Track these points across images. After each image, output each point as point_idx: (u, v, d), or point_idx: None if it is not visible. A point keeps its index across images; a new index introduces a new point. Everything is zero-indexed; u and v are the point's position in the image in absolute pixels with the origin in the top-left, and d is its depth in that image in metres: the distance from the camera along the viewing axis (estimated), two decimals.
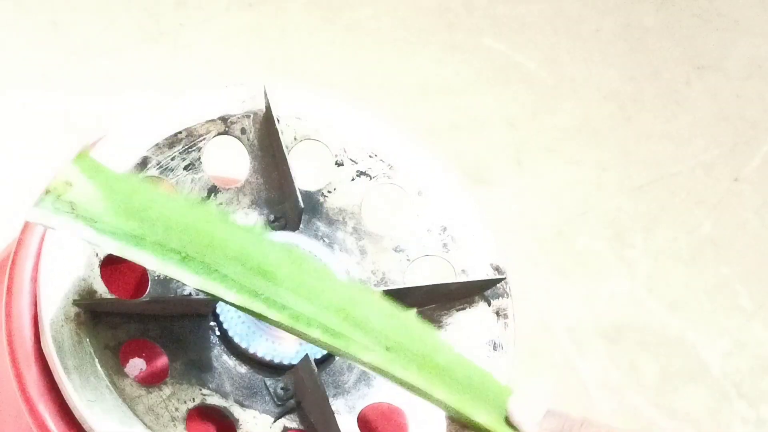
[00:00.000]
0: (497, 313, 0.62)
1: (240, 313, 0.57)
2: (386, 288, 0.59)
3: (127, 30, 1.32)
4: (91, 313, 0.53)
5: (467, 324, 0.61)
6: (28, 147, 1.21)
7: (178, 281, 0.58)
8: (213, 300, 0.57)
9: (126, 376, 0.53)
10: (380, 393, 0.59)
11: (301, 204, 0.60)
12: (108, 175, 0.49)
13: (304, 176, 0.62)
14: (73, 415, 0.52)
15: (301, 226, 0.61)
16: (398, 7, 1.42)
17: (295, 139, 0.63)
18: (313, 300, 0.49)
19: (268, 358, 0.56)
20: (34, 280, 0.55)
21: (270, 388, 0.57)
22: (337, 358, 0.59)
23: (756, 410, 1.22)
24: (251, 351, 0.56)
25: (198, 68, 1.31)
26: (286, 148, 0.61)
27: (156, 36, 1.32)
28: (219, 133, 0.62)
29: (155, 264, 0.48)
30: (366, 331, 0.49)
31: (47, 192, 0.47)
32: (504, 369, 0.59)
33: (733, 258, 1.32)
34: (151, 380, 0.55)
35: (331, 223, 0.63)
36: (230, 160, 0.67)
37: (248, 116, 0.62)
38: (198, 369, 0.56)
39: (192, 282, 0.48)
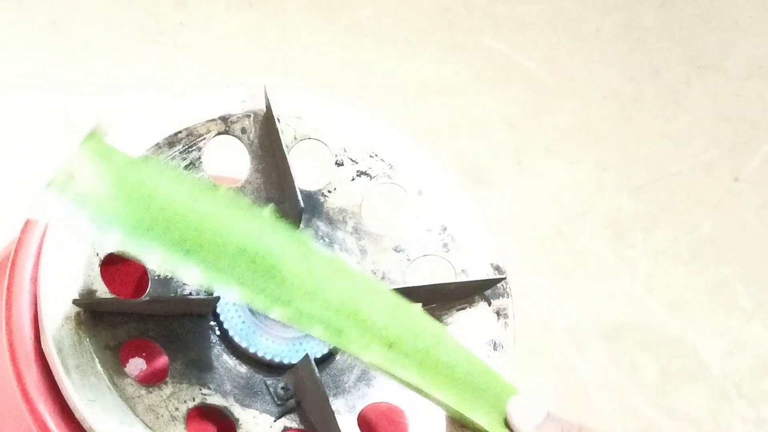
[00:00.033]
0: (497, 313, 0.62)
1: (240, 312, 0.57)
2: None
3: (127, 30, 1.32)
4: (91, 313, 0.53)
5: (467, 324, 0.61)
6: (28, 147, 1.21)
7: (177, 281, 0.58)
8: (213, 300, 0.57)
9: (126, 375, 0.53)
10: (380, 393, 0.59)
11: (302, 204, 0.60)
12: (118, 162, 0.47)
13: (305, 176, 0.62)
14: (73, 415, 0.52)
15: (301, 225, 0.61)
16: (398, 7, 1.42)
17: (296, 138, 0.63)
18: (318, 295, 0.48)
19: (268, 357, 0.56)
20: (34, 279, 0.55)
21: (270, 388, 0.57)
22: (337, 357, 0.59)
23: (756, 410, 1.22)
24: (251, 350, 0.56)
25: (198, 68, 1.31)
26: (287, 147, 0.61)
27: (156, 36, 1.32)
28: (219, 133, 0.62)
29: (159, 258, 0.47)
30: (369, 327, 0.49)
31: (52, 183, 0.47)
32: (504, 369, 0.59)
33: (733, 258, 1.32)
34: (152, 380, 0.55)
35: (332, 222, 0.63)
36: (230, 160, 0.67)
37: (248, 116, 0.62)
38: (198, 369, 0.56)
39: (196, 276, 0.47)
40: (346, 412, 0.58)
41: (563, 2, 1.49)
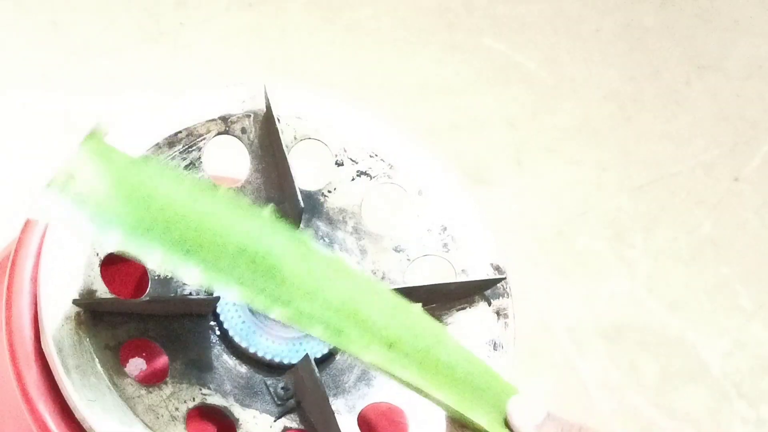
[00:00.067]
0: (497, 313, 0.62)
1: (240, 312, 0.57)
2: None
3: (127, 30, 1.32)
4: (91, 313, 0.53)
5: (467, 324, 0.61)
6: (28, 147, 1.21)
7: (177, 281, 0.58)
8: (213, 300, 0.57)
9: (126, 375, 0.53)
10: (380, 392, 0.59)
11: (302, 204, 0.60)
12: (117, 162, 0.47)
13: (305, 176, 0.62)
14: (73, 415, 0.52)
15: (301, 225, 0.61)
16: (398, 7, 1.42)
17: (295, 138, 0.63)
18: (318, 295, 0.48)
19: (268, 357, 0.56)
20: (34, 279, 0.55)
21: (270, 388, 0.57)
22: (337, 357, 0.59)
23: (756, 410, 1.22)
24: (251, 350, 0.56)
25: (198, 68, 1.31)
26: (287, 147, 0.61)
27: (156, 36, 1.32)
28: (219, 133, 0.62)
29: (159, 258, 0.47)
30: (369, 327, 0.49)
31: (52, 183, 0.46)
32: (504, 369, 0.59)
33: (733, 258, 1.32)
34: (152, 380, 0.55)
35: (332, 222, 0.63)
36: (230, 160, 0.67)
37: (248, 116, 0.62)
38: (198, 369, 0.56)
39: (196, 276, 0.47)
40: (346, 412, 0.58)
41: (563, 2, 1.49)
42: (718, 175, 1.38)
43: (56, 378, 0.52)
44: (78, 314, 0.53)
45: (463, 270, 0.63)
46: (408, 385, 0.49)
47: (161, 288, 0.58)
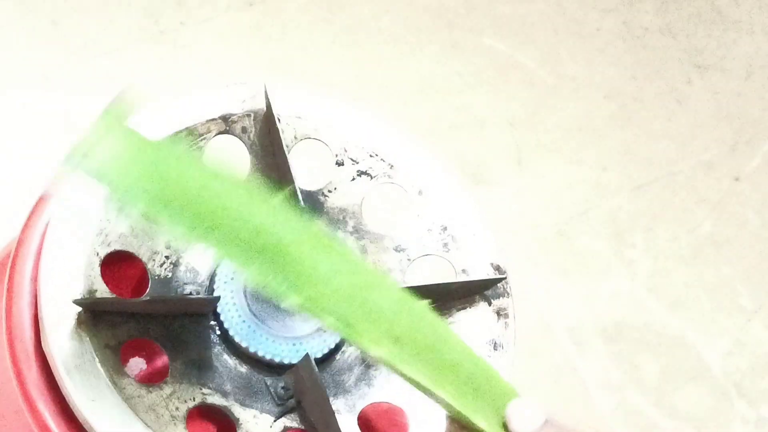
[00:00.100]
0: (498, 313, 0.62)
1: (240, 312, 0.57)
2: None
3: (127, 30, 1.32)
4: (91, 313, 0.53)
5: (468, 324, 0.61)
6: (28, 147, 1.21)
7: (177, 281, 0.58)
8: (213, 299, 0.57)
9: (126, 375, 0.53)
10: (381, 392, 0.59)
11: (302, 203, 0.60)
12: (138, 137, 0.48)
13: (305, 176, 0.62)
14: (74, 415, 0.52)
15: None
16: (398, 7, 1.42)
17: (296, 138, 0.63)
18: (328, 284, 0.49)
19: (268, 357, 0.56)
20: (35, 279, 0.55)
21: (270, 388, 0.57)
22: (337, 357, 0.59)
23: (756, 410, 1.22)
24: (251, 350, 0.56)
25: (198, 68, 1.31)
26: (287, 147, 0.61)
27: (156, 35, 1.32)
28: (219, 132, 0.62)
29: (178, 231, 0.47)
30: (377, 319, 0.49)
31: (74, 150, 0.47)
32: (504, 369, 0.59)
33: (733, 257, 1.32)
34: (152, 379, 0.55)
35: (332, 222, 0.63)
36: (231, 159, 0.67)
37: (249, 115, 0.62)
38: (198, 368, 0.56)
39: (213, 254, 0.47)
40: (346, 412, 0.58)
41: (564, 1, 1.49)
42: (718, 175, 1.38)
43: (56, 378, 0.52)
44: (78, 314, 0.53)
45: (463, 270, 0.63)
46: (411, 381, 0.50)
47: (161, 287, 0.58)
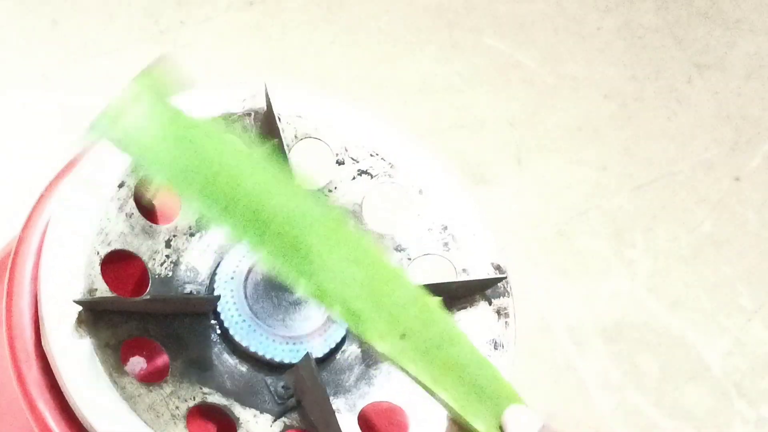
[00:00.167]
0: (498, 313, 0.62)
1: (240, 311, 0.57)
2: None
3: (127, 29, 1.32)
4: (91, 312, 0.53)
5: (468, 323, 0.61)
6: (28, 147, 1.21)
7: (178, 280, 0.58)
8: (213, 298, 0.57)
9: (126, 374, 0.53)
10: (381, 392, 0.59)
11: None
12: (170, 106, 0.48)
13: (305, 175, 0.62)
14: (74, 414, 0.52)
15: None
16: (398, 6, 1.42)
17: (296, 137, 0.63)
18: (340, 273, 0.49)
19: (268, 356, 0.56)
20: (35, 278, 0.55)
21: (270, 387, 0.57)
22: (338, 356, 0.59)
23: (756, 410, 1.22)
24: (252, 350, 0.56)
25: (198, 67, 1.31)
26: (287, 146, 0.61)
27: (156, 35, 1.32)
28: None
29: (197, 205, 0.47)
30: (386, 312, 0.49)
31: (103, 115, 0.47)
32: (504, 368, 0.59)
33: (733, 257, 1.32)
34: (152, 378, 0.55)
35: None
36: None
37: (249, 114, 0.62)
38: (198, 367, 0.56)
39: (228, 233, 0.48)
40: (346, 411, 0.58)
41: (564, 1, 1.49)
42: (718, 175, 1.38)
43: (56, 377, 0.52)
44: (78, 313, 0.53)
45: (463, 269, 0.63)
46: (413, 378, 0.50)
47: (162, 287, 0.58)
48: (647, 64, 1.45)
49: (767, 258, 1.33)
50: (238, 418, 0.55)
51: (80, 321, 0.53)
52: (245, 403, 0.56)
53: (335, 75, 1.35)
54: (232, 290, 0.57)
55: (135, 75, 0.47)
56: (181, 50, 1.32)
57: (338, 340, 0.58)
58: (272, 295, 0.58)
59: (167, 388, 0.54)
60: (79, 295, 0.53)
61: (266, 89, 0.62)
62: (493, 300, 0.62)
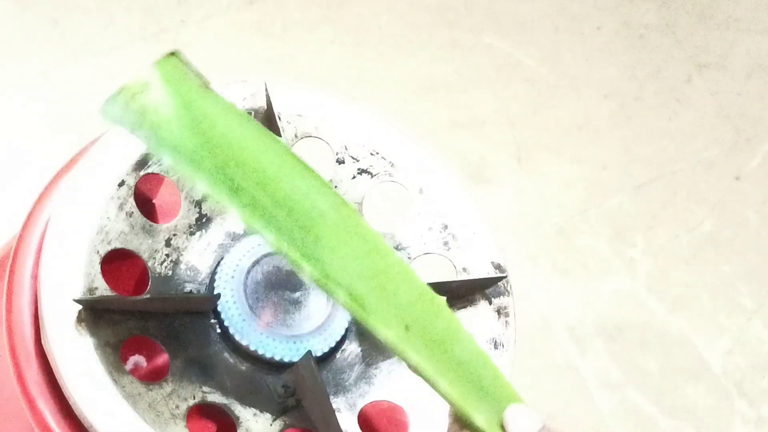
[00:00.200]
0: (498, 312, 0.62)
1: (241, 310, 0.57)
2: None
3: (128, 28, 1.32)
4: (91, 310, 0.53)
5: (468, 322, 0.61)
6: (27, 146, 1.21)
7: (178, 279, 0.58)
8: (214, 297, 0.57)
9: (126, 373, 0.53)
10: (381, 391, 0.59)
11: None
12: (190, 86, 0.48)
13: None
14: (74, 413, 0.52)
15: None
16: (398, 5, 1.42)
17: (296, 136, 0.63)
18: (349, 262, 0.49)
19: (268, 355, 0.56)
20: (35, 277, 0.55)
21: (271, 386, 0.57)
22: (338, 355, 0.59)
23: (756, 409, 1.22)
24: (252, 348, 0.56)
25: (198, 66, 1.30)
26: (288, 145, 0.61)
27: (156, 34, 1.32)
28: None
29: (205, 186, 0.48)
30: (391, 304, 0.49)
31: (121, 90, 0.47)
32: (505, 368, 0.59)
33: (734, 256, 1.32)
34: (152, 378, 0.55)
35: None
36: None
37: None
38: (198, 366, 0.56)
39: (236, 214, 0.48)
40: (346, 410, 0.58)
41: (564, 0, 1.49)
42: (719, 174, 1.38)
43: (56, 376, 0.52)
44: (78, 312, 0.53)
45: (464, 268, 0.63)
46: (415, 369, 0.50)
47: (162, 286, 0.58)
48: (647, 64, 1.45)
49: (767, 258, 1.33)
50: (238, 417, 0.55)
51: (80, 320, 0.53)
52: (245, 402, 0.56)
53: (335, 74, 1.34)
54: (232, 289, 0.57)
55: (152, 61, 0.48)
56: (182, 49, 1.32)
57: (338, 338, 0.58)
58: (272, 293, 0.58)
59: (167, 387, 0.54)
60: (79, 294, 0.53)
61: (266, 88, 0.62)
62: (493, 299, 0.62)
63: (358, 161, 0.64)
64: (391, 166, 0.64)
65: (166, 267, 0.58)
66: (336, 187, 0.63)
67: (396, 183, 0.64)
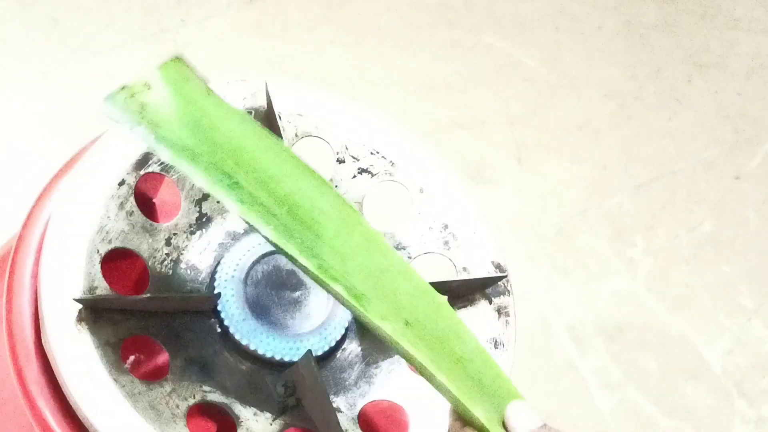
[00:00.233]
0: (498, 311, 0.62)
1: (241, 309, 0.57)
2: None
3: (128, 28, 1.32)
4: (91, 310, 0.53)
5: (469, 322, 0.61)
6: (28, 147, 1.21)
7: (178, 278, 0.58)
8: (214, 297, 0.57)
9: (127, 372, 0.53)
10: (381, 390, 0.59)
11: None
12: (192, 88, 0.49)
13: None
14: (74, 412, 0.52)
15: None
16: (398, 5, 1.42)
17: (297, 135, 0.63)
18: (349, 258, 0.49)
19: (268, 355, 0.56)
20: (35, 276, 0.55)
21: (271, 385, 0.57)
22: (338, 355, 0.59)
23: (756, 409, 1.22)
24: (252, 348, 0.56)
25: (199, 65, 1.30)
26: (288, 145, 0.61)
27: (157, 33, 1.32)
28: None
29: (202, 182, 0.48)
30: (391, 301, 0.49)
31: (123, 88, 0.47)
32: (505, 367, 0.59)
33: (733, 256, 1.32)
34: (152, 377, 0.55)
35: None
36: None
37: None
38: (199, 366, 0.56)
39: (234, 209, 0.48)
40: (346, 410, 0.58)
41: (564, 0, 1.49)
42: (719, 174, 1.38)
43: (56, 375, 0.52)
44: (79, 311, 0.53)
45: (464, 268, 0.63)
46: (417, 368, 0.50)
47: (162, 285, 0.57)
48: (647, 64, 1.45)
49: (767, 258, 1.33)
50: (238, 417, 0.55)
51: (80, 319, 0.53)
52: (245, 401, 0.56)
53: (335, 74, 1.34)
54: (232, 288, 0.57)
55: (154, 62, 0.48)
56: (182, 49, 1.32)
57: (338, 338, 0.58)
58: (272, 293, 0.58)
59: (167, 387, 0.54)
60: (79, 293, 0.53)
61: (267, 88, 0.62)
62: (493, 299, 0.62)
63: (358, 161, 0.64)
64: (392, 165, 0.64)
65: (166, 266, 0.58)
66: (336, 186, 0.63)
67: (396, 182, 0.64)
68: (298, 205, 0.49)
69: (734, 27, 1.52)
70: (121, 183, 0.57)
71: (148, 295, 0.57)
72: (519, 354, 0.62)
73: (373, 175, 0.64)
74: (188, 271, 0.59)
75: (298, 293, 0.58)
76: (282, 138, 0.60)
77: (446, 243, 0.63)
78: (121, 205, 0.57)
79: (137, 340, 0.56)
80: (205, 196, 0.60)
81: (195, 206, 0.60)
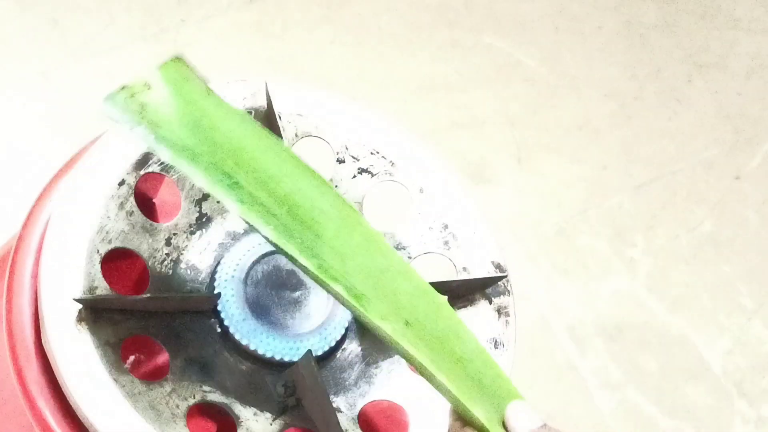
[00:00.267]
0: (498, 311, 0.62)
1: (241, 309, 0.57)
2: None
3: (128, 28, 1.32)
4: (91, 310, 0.53)
5: (469, 322, 0.61)
6: (27, 147, 1.21)
7: (178, 278, 0.58)
8: (214, 297, 0.57)
9: (127, 372, 0.53)
10: (381, 390, 0.59)
11: None
12: (192, 88, 0.49)
13: None
14: (74, 412, 0.52)
15: None
16: (398, 5, 1.42)
17: (297, 135, 0.63)
18: (349, 258, 0.49)
19: (269, 355, 0.56)
20: (35, 276, 0.55)
21: (271, 385, 0.57)
22: (338, 355, 0.59)
23: (756, 409, 1.22)
24: (252, 348, 0.56)
25: (199, 66, 1.30)
26: (288, 145, 0.61)
27: (156, 33, 1.32)
28: None
29: (202, 182, 0.48)
30: (391, 300, 0.49)
31: (123, 88, 0.47)
32: (505, 367, 0.59)
33: (733, 256, 1.32)
34: (152, 377, 0.55)
35: None
36: None
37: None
38: (199, 366, 0.56)
39: (234, 209, 0.48)
40: (346, 410, 0.58)
41: (564, 0, 1.48)
42: (719, 174, 1.38)
43: (56, 375, 0.52)
44: (79, 311, 0.53)
45: (464, 268, 0.63)
46: (417, 367, 0.50)
47: (162, 285, 0.57)
48: (648, 64, 1.45)
49: (767, 258, 1.33)
50: (238, 417, 0.55)
51: (80, 319, 0.53)
52: (245, 401, 0.56)
53: (335, 74, 1.34)
54: (232, 288, 0.57)
55: (155, 62, 0.48)
56: (182, 49, 1.32)
57: (338, 338, 0.58)
58: (272, 293, 0.58)
59: (167, 387, 0.54)
60: (79, 293, 0.53)
61: (267, 87, 0.62)
62: (493, 299, 0.62)
63: (358, 161, 0.64)
64: (392, 165, 0.64)
65: (166, 266, 0.58)
66: (336, 186, 0.63)
67: (396, 182, 0.64)
68: (298, 205, 0.49)
69: (734, 27, 1.52)
70: (121, 183, 0.57)
71: (148, 295, 0.57)
72: (519, 354, 0.62)
73: (373, 175, 0.64)
74: (188, 271, 0.59)
75: (298, 293, 0.58)
76: (282, 138, 0.60)
77: (446, 243, 0.63)
78: (121, 205, 0.57)
79: (137, 340, 0.56)
80: (205, 196, 0.60)
81: (195, 206, 0.60)
